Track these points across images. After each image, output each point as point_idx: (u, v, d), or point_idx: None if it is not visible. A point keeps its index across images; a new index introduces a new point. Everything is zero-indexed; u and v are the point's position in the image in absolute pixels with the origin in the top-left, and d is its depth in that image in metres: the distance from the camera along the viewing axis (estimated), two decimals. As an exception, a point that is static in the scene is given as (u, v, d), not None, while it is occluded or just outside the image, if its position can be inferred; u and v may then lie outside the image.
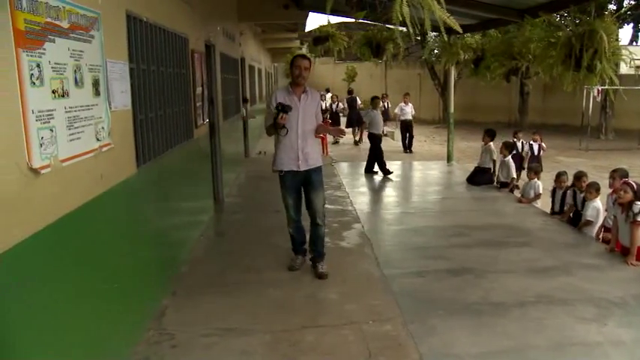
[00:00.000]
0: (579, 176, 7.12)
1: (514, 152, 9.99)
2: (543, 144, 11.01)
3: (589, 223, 6.57)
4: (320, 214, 5.05)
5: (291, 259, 5.28)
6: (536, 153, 10.76)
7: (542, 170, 9.11)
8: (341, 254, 5.73)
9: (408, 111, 15.18)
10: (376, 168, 10.78)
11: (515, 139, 10.84)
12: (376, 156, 10.75)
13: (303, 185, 5.01)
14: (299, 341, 3.82)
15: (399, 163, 12.73)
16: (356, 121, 16.65)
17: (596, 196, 6.57)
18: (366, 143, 11.99)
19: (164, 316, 4.21)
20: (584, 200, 6.76)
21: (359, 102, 18.43)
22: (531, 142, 10.87)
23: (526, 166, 10.17)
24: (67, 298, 2.70)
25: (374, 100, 11.44)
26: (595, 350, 3.75)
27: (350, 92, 19.72)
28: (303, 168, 4.89)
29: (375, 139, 10.84)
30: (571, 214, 7.22)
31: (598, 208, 6.56)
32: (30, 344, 2.34)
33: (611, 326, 4.06)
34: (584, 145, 17.64)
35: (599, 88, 16.94)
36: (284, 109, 4.60)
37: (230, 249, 5.91)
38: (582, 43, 5.50)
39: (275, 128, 4.73)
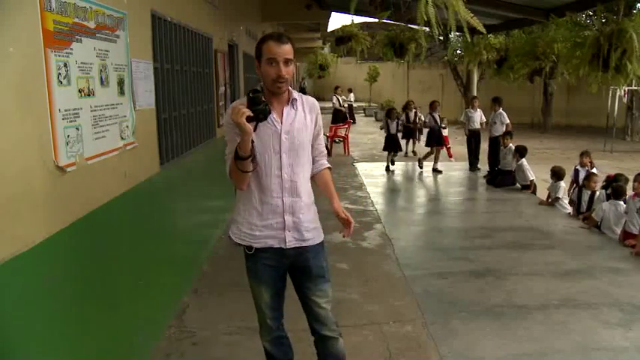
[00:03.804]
0: (619, 179, 7.02)
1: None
2: (595, 170, 8.30)
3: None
4: (328, 320, 2.88)
5: None
6: (580, 182, 8.15)
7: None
8: (362, 255, 5.72)
9: (477, 118, 11.21)
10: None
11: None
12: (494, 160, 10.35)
13: (293, 275, 2.81)
14: (319, 341, 3.82)
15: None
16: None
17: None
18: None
19: (185, 313, 4.25)
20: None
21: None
22: (577, 167, 8.55)
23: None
24: (91, 295, 2.74)
25: (496, 100, 10.65)
26: (620, 355, 3.69)
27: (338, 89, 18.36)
28: (292, 244, 2.64)
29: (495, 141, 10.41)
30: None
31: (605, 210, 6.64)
32: (53, 339, 2.37)
33: (636, 331, 3.99)
34: (609, 147, 17.31)
35: (626, 89, 16.66)
36: (254, 101, 2.34)
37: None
38: (610, 42, 5.41)
39: (236, 159, 2.43)
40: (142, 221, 3.61)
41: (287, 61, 2.48)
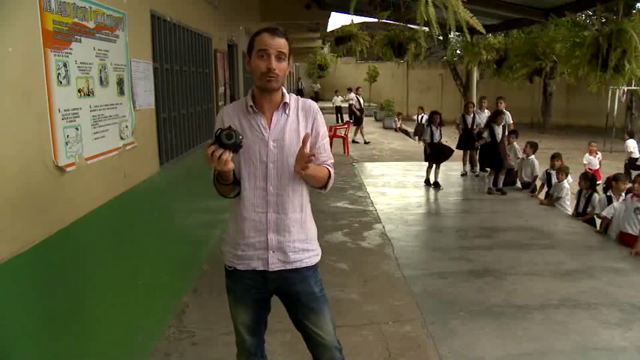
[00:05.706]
0: (617, 179, 7.02)
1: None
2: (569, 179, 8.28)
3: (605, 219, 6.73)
4: (333, 347, 2.56)
5: None
6: (553, 181, 8.46)
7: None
8: (361, 254, 5.72)
9: (485, 119, 10.45)
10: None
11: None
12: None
13: (283, 301, 2.54)
14: (319, 341, 3.82)
15: (421, 164, 12.70)
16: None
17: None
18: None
19: (185, 313, 4.25)
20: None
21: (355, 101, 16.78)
22: (549, 170, 8.77)
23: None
24: (91, 295, 2.74)
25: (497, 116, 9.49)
26: (620, 355, 3.70)
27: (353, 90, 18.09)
28: (275, 267, 2.36)
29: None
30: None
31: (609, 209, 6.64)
32: (53, 339, 2.37)
33: (636, 331, 3.99)
34: (609, 147, 17.33)
35: (625, 89, 16.66)
36: (229, 137, 2.09)
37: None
38: (610, 42, 5.41)
39: (217, 182, 2.35)
40: (142, 221, 3.61)
41: (280, 55, 2.21)
